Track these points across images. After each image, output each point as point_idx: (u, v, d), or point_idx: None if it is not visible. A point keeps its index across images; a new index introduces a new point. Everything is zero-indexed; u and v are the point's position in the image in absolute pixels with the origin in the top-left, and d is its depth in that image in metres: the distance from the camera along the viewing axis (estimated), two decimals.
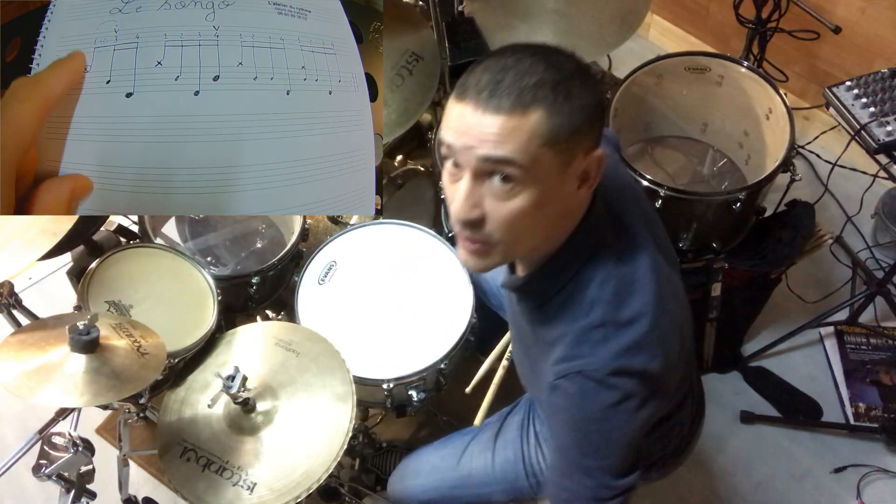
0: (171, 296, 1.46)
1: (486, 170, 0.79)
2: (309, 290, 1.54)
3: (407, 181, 1.93)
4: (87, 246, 1.69)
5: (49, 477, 1.15)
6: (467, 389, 1.33)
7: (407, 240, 1.62)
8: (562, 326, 0.90)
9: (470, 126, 0.78)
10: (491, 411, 1.33)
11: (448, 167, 0.84)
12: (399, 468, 1.42)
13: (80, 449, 1.16)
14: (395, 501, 1.41)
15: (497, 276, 1.53)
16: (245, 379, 1.18)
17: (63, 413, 1.28)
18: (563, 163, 0.80)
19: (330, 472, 1.15)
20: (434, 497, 1.34)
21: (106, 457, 1.59)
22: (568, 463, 0.94)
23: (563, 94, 0.77)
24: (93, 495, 1.23)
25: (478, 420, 1.32)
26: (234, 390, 1.17)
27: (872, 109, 1.53)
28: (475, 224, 0.82)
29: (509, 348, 1.40)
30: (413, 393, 1.43)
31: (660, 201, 1.60)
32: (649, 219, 1.02)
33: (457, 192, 0.81)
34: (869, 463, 1.81)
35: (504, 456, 1.29)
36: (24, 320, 1.52)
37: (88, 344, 1.08)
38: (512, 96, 0.76)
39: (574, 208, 0.88)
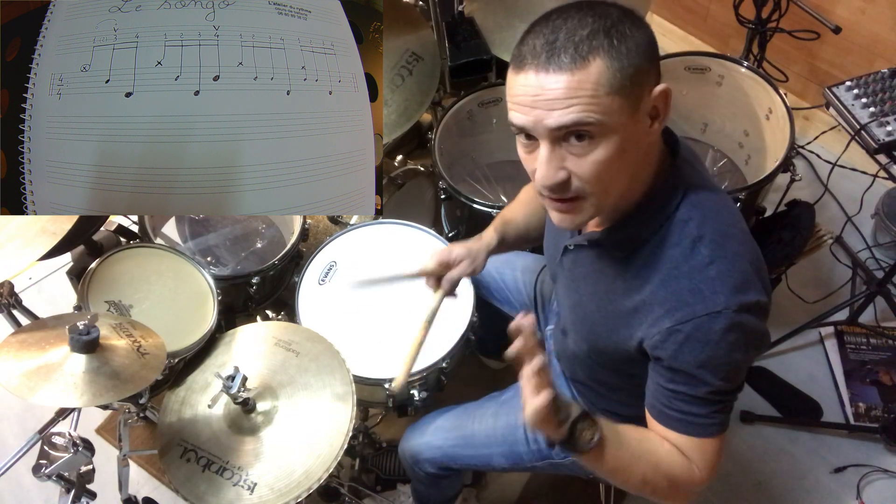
0: (171, 296, 1.46)
1: (560, 135, 0.81)
2: (309, 290, 1.54)
3: (407, 181, 1.93)
4: (87, 246, 1.69)
5: (49, 477, 1.14)
6: (393, 387, 1.15)
7: (407, 240, 1.61)
8: (661, 271, 0.90)
9: (535, 92, 0.80)
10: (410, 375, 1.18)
11: (521, 140, 0.86)
12: (406, 430, 1.44)
13: (80, 449, 1.15)
14: (404, 459, 1.43)
15: (502, 270, 1.53)
16: (245, 379, 1.18)
17: (63, 413, 1.28)
18: (633, 105, 0.81)
19: (330, 472, 1.15)
20: (438, 456, 1.36)
21: (106, 457, 1.59)
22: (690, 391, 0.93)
23: (618, 37, 0.79)
24: (93, 495, 1.23)
25: (395, 384, 1.14)
26: (234, 390, 1.17)
27: (872, 109, 1.53)
28: (563, 185, 0.85)
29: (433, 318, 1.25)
30: (415, 392, 1.43)
31: None
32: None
33: (537, 161, 0.84)
34: (869, 463, 1.80)
35: (506, 420, 1.31)
36: (24, 320, 1.51)
37: (88, 344, 1.08)
38: (570, 51, 0.78)
39: (652, 146, 0.90)
